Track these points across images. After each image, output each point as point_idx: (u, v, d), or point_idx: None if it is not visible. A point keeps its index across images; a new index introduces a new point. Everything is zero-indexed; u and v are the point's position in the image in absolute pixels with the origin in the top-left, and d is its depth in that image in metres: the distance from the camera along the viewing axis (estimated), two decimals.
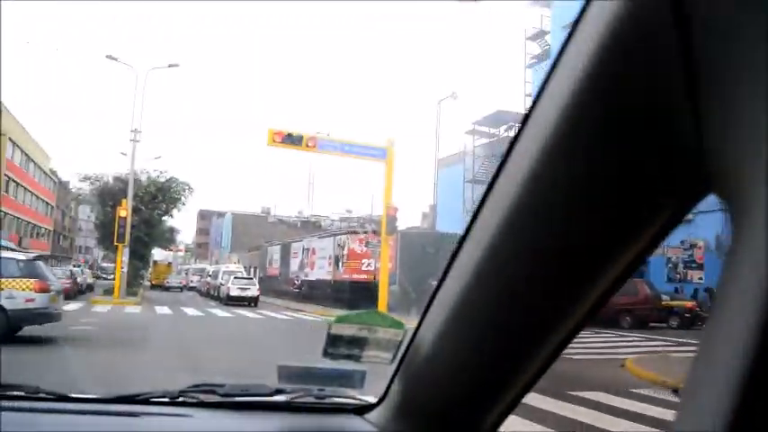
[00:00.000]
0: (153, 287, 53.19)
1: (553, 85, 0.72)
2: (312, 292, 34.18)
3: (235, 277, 33.40)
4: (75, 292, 29.63)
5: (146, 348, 11.71)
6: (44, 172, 63.86)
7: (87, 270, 47.05)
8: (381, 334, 1.23)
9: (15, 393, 1.41)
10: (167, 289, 50.90)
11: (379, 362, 1.24)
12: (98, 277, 51.53)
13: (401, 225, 27.84)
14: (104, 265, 68.91)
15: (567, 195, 0.74)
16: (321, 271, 35.11)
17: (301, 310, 28.55)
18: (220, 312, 24.51)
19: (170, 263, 67.21)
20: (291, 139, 25.31)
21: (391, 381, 1.24)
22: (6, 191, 48.99)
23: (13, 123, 49.48)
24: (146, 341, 13.09)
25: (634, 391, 8.99)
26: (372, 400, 1.38)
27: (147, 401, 1.42)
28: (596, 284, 0.79)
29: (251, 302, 30.93)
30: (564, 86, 0.68)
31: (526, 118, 0.79)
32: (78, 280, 32.55)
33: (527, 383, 0.98)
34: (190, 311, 24.21)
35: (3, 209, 47.76)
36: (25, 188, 56.03)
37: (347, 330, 1.25)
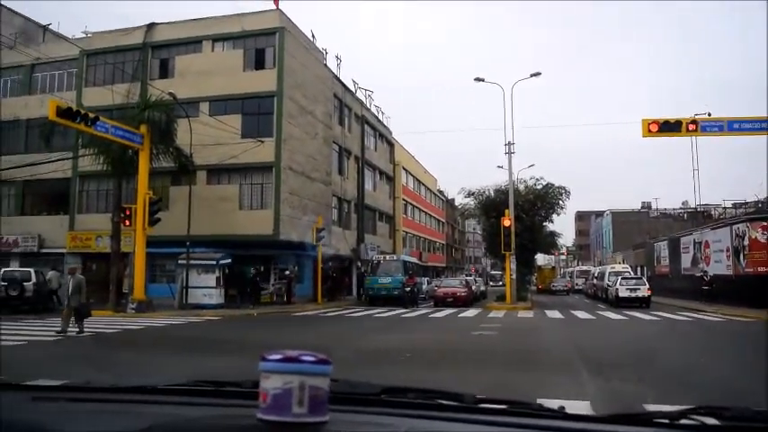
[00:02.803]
0: (539, 291, 54.67)
1: None
2: (709, 290, 31.12)
3: (622, 278, 32.31)
4: (471, 299, 32.02)
5: (550, 353, 11.98)
6: (433, 193, 70.65)
7: (479, 278, 50.46)
8: None
9: (521, 410, 1.47)
10: (553, 293, 51.75)
11: None
12: (488, 284, 54.84)
13: None
14: (493, 272, 72.98)
15: None
16: (718, 265, 31.83)
17: (700, 310, 26.27)
18: (612, 315, 23.90)
19: (553, 267, 68.36)
20: (669, 127, 23.71)
21: None
22: (405, 213, 55.47)
23: (404, 154, 55.97)
24: (548, 346, 13.42)
25: None
26: None
27: (646, 422, 1.38)
28: None
29: (642, 303, 29.56)
30: None
31: None
32: (473, 288, 35.09)
33: None
34: (580, 314, 24.14)
35: (404, 229, 54.21)
36: (420, 209, 62.66)
37: None
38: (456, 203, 65.76)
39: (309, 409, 1.10)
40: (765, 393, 6.47)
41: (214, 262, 27.06)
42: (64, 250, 31.97)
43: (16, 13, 38.81)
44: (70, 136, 27.64)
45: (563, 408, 1.46)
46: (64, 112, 19.86)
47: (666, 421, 1.37)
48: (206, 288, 26.54)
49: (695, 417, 1.35)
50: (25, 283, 24.75)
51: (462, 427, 1.36)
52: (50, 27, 39.94)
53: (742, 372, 9.39)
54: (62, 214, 32.91)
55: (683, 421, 1.35)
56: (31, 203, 34.52)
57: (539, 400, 1.51)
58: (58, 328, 15.26)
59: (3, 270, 26.30)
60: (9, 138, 33.55)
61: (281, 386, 1.09)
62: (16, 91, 34.77)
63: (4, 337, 13.18)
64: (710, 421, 1.34)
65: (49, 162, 28.06)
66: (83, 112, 21.09)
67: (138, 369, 9.43)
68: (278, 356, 1.12)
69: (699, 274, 33.05)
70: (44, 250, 32.65)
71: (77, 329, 15.22)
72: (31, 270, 26.00)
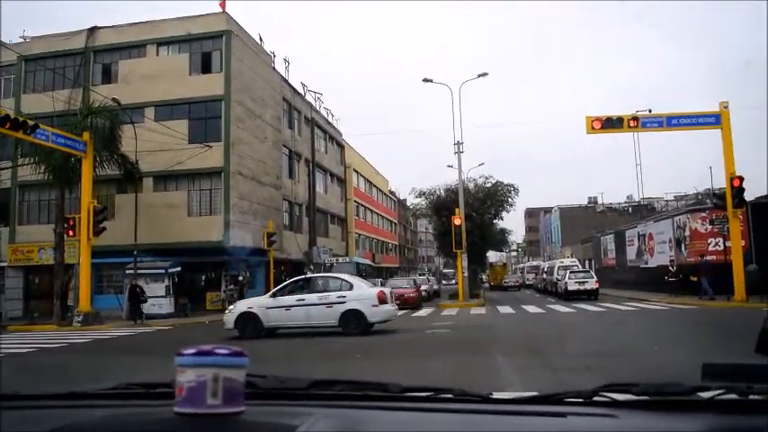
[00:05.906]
0: (492, 288, 55.38)
1: None
2: (653, 280, 32.03)
3: (571, 271, 33.03)
4: (419, 299, 31.76)
5: (501, 346, 12.16)
6: (385, 194, 70.81)
7: (432, 278, 50.80)
8: None
9: (445, 396, 1.50)
10: (505, 288, 52.52)
11: None
12: (441, 283, 55.21)
13: (748, 195, 24.63)
14: (446, 271, 73.53)
15: None
16: (662, 256, 32.81)
17: (645, 300, 27.07)
18: (561, 308, 24.39)
19: (505, 263, 69.34)
20: (611, 123, 24.52)
21: None
22: (357, 215, 55.46)
23: (355, 156, 55.97)
24: (499, 340, 13.61)
25: None
26: None
27: (561, 401, 1.43)
28: None
29: (590, 295, 30.27)
30: None
31: None
32: (424, 287, 35.19)
33: None
34: (531, 309, 24.55)
35: (357, 231, 54.18)
36: (372, 211, 62.72)
37: None
38: (407, 204, 66.08)
39: (224, 400, 1.13)
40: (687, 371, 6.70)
41: (163, 271, 26.60)
42: (5, 264, 30.94)
43: None
44: (8, 145, 26.82)
45: (490, 394, 1.51)
46: (1, 120, 19.25)
47: (580, 400, 1.43)
48: (155, 297, 26.05)
49: (607, 394, 1.42)
50: None
51: (386, 414, 1.39)
52: None
53: (677, 352, 9.73)
54: (2, 226, 31.81)
55: (596, 398, 1.42)
56: None
57: (497, 394, 1.55)
58: None
59: None
60: None
61: (195, 379, 1.12)
62: None
63: None
64: (621, 397, 1.40)
65: None
66: (21, 119, 20.46)
67: (78, 378, 9.22)
68: (192, 351, 1.15)
69: (669, 266, 29.86)
70: None
71: None
72: None
